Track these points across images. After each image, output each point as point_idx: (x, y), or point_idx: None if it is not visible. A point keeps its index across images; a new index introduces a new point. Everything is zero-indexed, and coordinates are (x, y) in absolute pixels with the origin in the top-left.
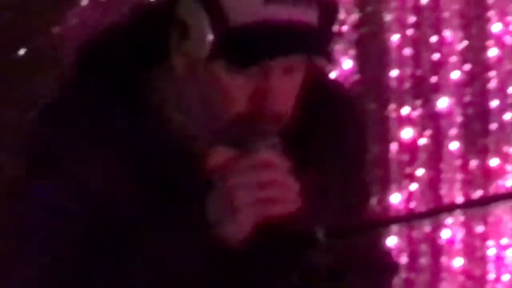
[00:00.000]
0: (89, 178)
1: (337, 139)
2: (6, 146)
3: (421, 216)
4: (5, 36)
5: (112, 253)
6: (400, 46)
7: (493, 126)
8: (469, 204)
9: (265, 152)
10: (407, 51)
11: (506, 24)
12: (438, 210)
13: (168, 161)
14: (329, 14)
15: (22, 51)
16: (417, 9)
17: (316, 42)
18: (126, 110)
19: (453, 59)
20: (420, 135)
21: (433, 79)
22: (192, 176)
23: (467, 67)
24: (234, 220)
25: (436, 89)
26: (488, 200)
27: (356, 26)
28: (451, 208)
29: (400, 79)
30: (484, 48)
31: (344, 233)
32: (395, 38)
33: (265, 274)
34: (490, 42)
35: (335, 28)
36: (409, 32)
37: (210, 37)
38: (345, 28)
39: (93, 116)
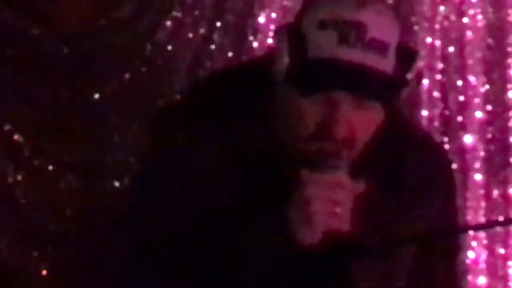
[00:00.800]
0: (203, 174)
1: (424, 174)
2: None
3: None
4: (81, 81)
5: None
6: (430, 89)
7: None
8: (489, 224)
9: (341, 174)
10: (436, 94)
11: None
12: (462, 228)
13: (269, 168)
14: (406, 63)
15: (97, 95)
16: (445, 57)
17: (380, 88)
18: (247, 121)
19: (477, 100)
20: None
21: (459, 118)
22: (282, 183)
23: (489, 107)
24: (308, 227)
25: (462, 127)
26: (506, 222)
27: None
28: (474, 228)
29: (430, 118)
30: (504, 91)
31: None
32: (425, 82)
33: (330, 280)
34: (509, 86)
35: (410, 75)
36: (438, 77)
37: (286, 61)
38: None
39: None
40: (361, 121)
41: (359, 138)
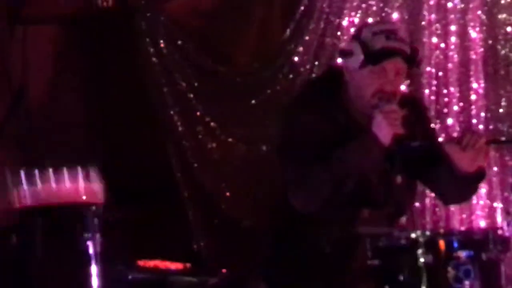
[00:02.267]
0: (320, 129)
1: (414, 116)
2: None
3: None
4: (245, 93)
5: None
6: (429, 95)
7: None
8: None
9: (394, 106)
10: (432, 97)
11: (479, 84)
12: None
13: (351, 122)
14: (415, 50)
15: (253, 101)
16: (437, 77)
17: (409, 60)
18: (334, 102)
19: (454, 100)
20: (439, 135)
21: (445, 110)
22: (361, 124)
23: (461, 104)
24: (385, 132)
25: (446, 115)
26: None
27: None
28: None
29: (429, 110)
30: (469, 96)
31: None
32: (426, 91)
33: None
34: (471, 92)
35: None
36: (433, 88)
37: (361, 57)
38: None
39: (320, 105)
40: (397, 83)
41: (397, 92)
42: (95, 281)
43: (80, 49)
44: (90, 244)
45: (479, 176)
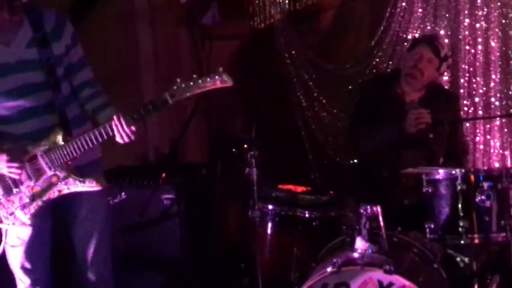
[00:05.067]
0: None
1: (444, 107)
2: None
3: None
4: (342, 80)
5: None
6: (463, 83)
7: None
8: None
9: (422, 110)
10: (466, 84)
11: (496, 75)
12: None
13: (397, 109)
14: (438, 46)
15: (350, 86)
16: (469, 72)
17: (434, 50)
18: (385, 92)
19: (480, 86)
20: (470, 109)
21: (474, 92)
22: (402, 112)
23: (484, 89)
24: (411, 126)
25: (474, 95)
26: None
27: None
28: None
29: (464, 94)
30: (490, 83)
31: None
32: (462, 80)
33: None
34: (491, 81)
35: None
36: (466, 78)
37: (408, 45)
38: None
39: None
40: (425, 67)
41: (423, 72)
42: (253, 196)
43: (243, 56)
44: (250, 174)
45: None
